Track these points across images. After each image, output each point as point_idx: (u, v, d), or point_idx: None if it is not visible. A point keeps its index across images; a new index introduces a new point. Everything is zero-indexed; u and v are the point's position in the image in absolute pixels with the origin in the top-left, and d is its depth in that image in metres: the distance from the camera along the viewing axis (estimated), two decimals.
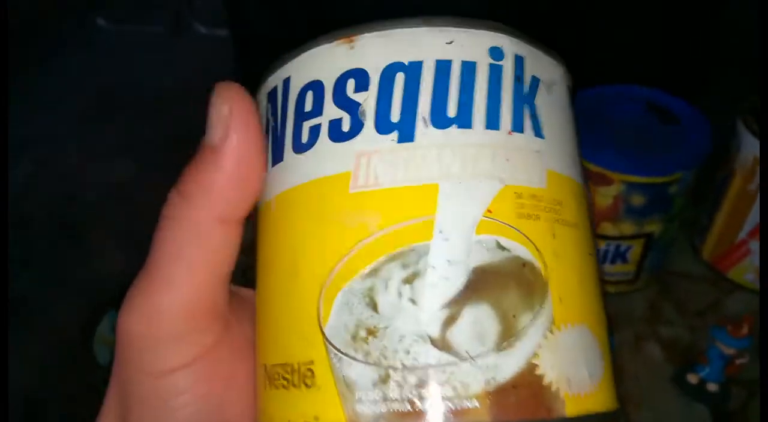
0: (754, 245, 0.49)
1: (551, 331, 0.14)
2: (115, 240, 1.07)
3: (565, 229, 0.15)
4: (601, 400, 0.15)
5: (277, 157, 0.16)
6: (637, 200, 0.46)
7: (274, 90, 0.16)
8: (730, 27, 0.62)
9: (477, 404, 0.13)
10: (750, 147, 0.47)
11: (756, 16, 0.57)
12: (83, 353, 0.34)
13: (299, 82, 0.16)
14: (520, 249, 0.14)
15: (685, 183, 0.45)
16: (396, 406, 0.13)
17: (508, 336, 0.13)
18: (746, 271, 0.51)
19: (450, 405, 0.13)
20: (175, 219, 0.16)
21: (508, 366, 0.13)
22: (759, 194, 0.47)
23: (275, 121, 0.16)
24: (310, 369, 0.14)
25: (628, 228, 0.48)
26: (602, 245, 0.49)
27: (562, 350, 0.14)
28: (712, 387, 0.44)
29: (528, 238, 0.14)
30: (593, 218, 0.16)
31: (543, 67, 0.16)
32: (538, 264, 0.14)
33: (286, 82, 0.16)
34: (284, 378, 0.14)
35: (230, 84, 0.16)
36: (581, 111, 0.50)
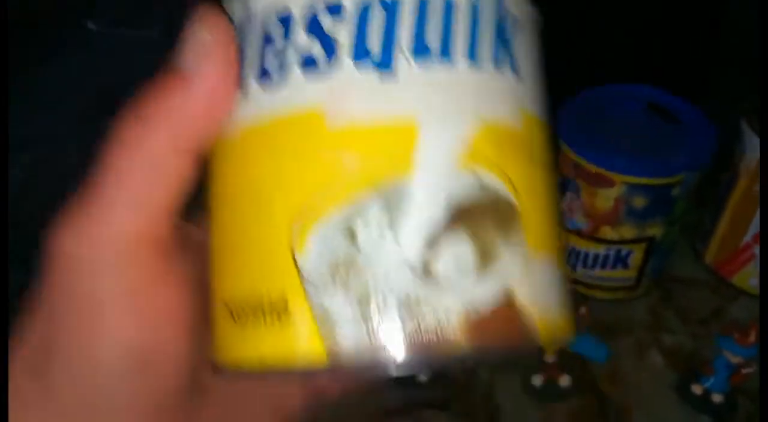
0: (759, 249, 0.48)
1: (526, 261, 0.14)
2: None
3: (537, 168, 0.16)
4: (568, 328, 0.16)
5: (241, 89, 0.15)
6: (639, 202, 0.44)
7: (239, 17, 0.15)
8: (730, 27, 0.61)
9: (458, 332, 0.14)
10: (755, 148, 0.45)
11: (756, 16, 0.56)
12: None
13: (267, 9, 0.15)
14: (498, 185, 0.14)
15: (688, 185, 0.44)
16: (377, 337, 0.13)
17: (486, 265, 0.14)
18: (750, 276, 0.49)
19: (432, 334, 0.13)
20: (128, 144, 0.15)
21: (486, 294, 0.14)
22: (760, 195, 0.45)
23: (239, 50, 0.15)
24: (283, 303, 0.14)
25: (629, 231, 0.46)
26: (601, 250, 0.47)
27: (535, 278, 0.15)
28: (717, 398, 0.42)
29: (506, 174, 0.14)
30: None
31: (517, 4, 0.16)
32: (513, 199, 0.15)
33: (251, 7, 0.15)
34: (252, 314, 0.14)
35: (216, 11, 0.15)
36: (582, 111, 0.49)
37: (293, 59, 0.14)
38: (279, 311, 0.14)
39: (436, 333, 0.13)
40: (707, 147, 0.43)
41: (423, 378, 0.45)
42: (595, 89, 0.48)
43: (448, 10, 0.14)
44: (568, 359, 0.45)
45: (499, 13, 0.15)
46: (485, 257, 0.14)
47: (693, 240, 0.54)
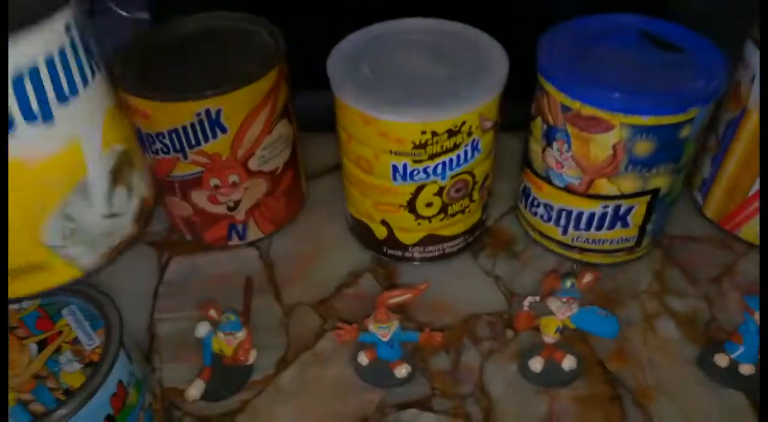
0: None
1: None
2: None
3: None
4: None
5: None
6: (643, 148, 0.37)
7: None
8: None
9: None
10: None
11: None
12: None
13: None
14: (122, 148, 0.27)
15: (699, 123, 0.37)
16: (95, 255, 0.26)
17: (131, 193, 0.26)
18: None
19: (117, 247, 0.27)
20: None
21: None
22: (759, 193, 0.39)
23: None
24: (42, 262, 0.23)
25: (629, 184, 0.39)
26: (597, 207, 0.40)
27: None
28: (746, 369, 0.36)
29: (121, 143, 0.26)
30: None
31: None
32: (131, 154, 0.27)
33: None
34: (22, 273, 0.24)
35: None
36: (566, 46, 0.42)
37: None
38: (41, 267, 0.23)
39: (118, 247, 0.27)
40: (718, 75, 0.36)
41: (402, 373, 0.37)
42: (576, 20, 0.41)
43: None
44: (569, 338, 0.38)
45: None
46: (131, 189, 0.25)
47: (691, 191, 0.48)
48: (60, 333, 0.30)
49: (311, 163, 0.51)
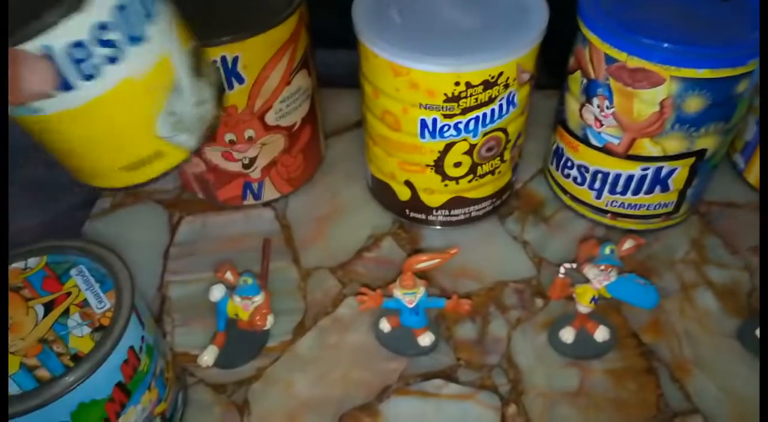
0: None
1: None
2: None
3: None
4: None
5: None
6: (693, 105, 0.34)
7: None
8: None
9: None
10: None
11: None
12: None
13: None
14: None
15: (755, 77, 0.34)
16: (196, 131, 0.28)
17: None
18: None
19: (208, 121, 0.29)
20: None
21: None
22: (759, 192, 0.36)
23: None
24: (158, 152, 0.27)
25: (674, 145, 0.36)
26: (636, 170, 0.38)
27: None
28: None
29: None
30: None
31: None
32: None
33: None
34: (142, 165, 0.28)
35: None
36: None
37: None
38: (159, 154, 0.27)
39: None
40: None
41: (426, 341, 0.35)
42: None
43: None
44: (601, 307, 0.36)
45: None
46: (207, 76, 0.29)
47: (730, 155, 0.46)
48: (68, 294, 0.28)
49: (328, 121, 0.48)
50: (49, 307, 0.27)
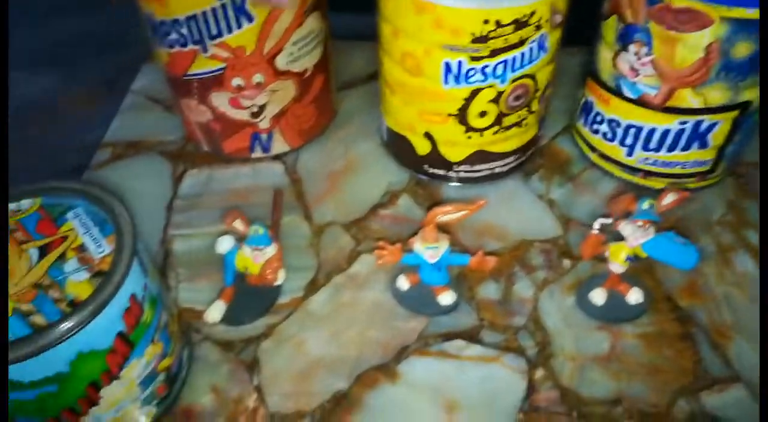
0: None
1: None
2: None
3: None
4: None
5: None
6: (742, 50, 0.31)
7: None
8: None
9: None
10: None
11: None
12: None
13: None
14: None
15: None
16: None
17: None
18: None
19: None
20: None
21: None
22: (760, 193, 0.33)
23: None
24: None
25: (717, 95, 0.34)
26: (674, 124, 0.35)
27: None
28: None
29: None
30: None
31: None
32: None
33: None
34: None
35: None
36: None
37: None
38: None
39: None
40: None
41: (447, 300, 0.33)
42: None
43: None
44: (636, 268, 0.34)
45: None
46: None
47: None
48: (64, 238, 0.26)
49: (340, 74, 0.46)
50: (43, 251, 0.25)
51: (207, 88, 0.37)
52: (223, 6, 0.33)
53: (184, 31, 0.34)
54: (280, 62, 0.36)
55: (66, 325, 0.22)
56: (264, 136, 0.40)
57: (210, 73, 0.36)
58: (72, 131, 0.46)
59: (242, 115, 0.38)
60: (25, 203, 0.27)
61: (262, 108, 0.38)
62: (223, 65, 0.35)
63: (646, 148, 0.37)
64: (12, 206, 0.27)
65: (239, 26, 0.33)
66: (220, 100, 0.37)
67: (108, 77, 0.50)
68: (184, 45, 0.34)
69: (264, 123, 0.39)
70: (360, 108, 0.44)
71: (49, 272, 0.24)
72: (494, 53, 0.32)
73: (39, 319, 0.23)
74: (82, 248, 0.25)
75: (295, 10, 0.35)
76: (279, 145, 0.40)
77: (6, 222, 0.24)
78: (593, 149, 0.40)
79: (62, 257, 0.25)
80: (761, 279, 0.33)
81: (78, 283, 0.24)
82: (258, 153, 0.40)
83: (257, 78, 0.36)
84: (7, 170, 0.25)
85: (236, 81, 0.36)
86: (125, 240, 0.25)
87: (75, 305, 0.23)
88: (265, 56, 0.35)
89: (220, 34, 0.34)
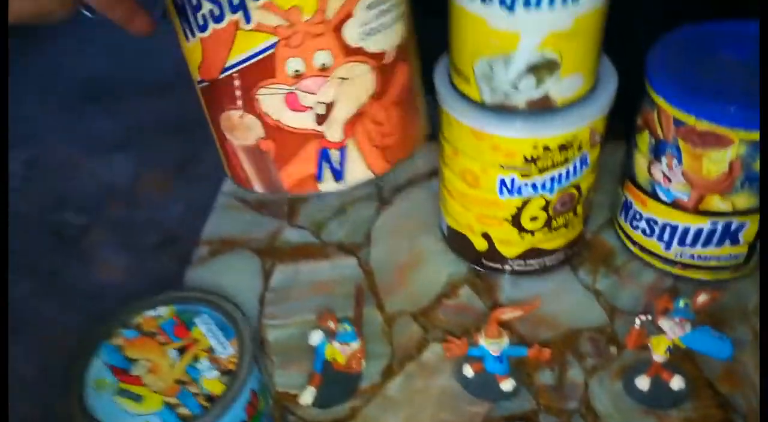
0: None
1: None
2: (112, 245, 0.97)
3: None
4: None
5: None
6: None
7: None
8: None
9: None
10: None
11: None
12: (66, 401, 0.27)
13: None
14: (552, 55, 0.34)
15: None
16: None
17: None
18: None
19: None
20: None
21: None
22: (759, 197, 0.37)
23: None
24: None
25: (744, 200, 0.38)
26: (706, 224, 0.40)
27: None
28: None
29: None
30: None
31: None
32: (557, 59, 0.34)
33: None
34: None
35: None
36: (678, 56, 0.41)
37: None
38: (465, 79, 0.35)
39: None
40: None
41: (508, 386, 0.37)
42: (700, 25, 0.40)
43: None
44: (677, 357, 0.38)
45: None
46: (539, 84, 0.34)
47: None
48: (196, 341, 0.32)
49: (401, 172, 0.52)
50: (181, 352, 0.31)
51: (253, 82, 0.26)
52: None
53: None
54: (351, 34, 0.27)
55: (208, 418, 0.28)
56: (335, 154, 0.29)
57: (256, 55, 0.26)
58: (152, 211, 0.53)
59: (303, 122, 0.27)
60: (162, 310, 0.33)
61: (329, 107, 0.28)
62: (273, 40, 0.25)
63: (682, 243, 0.42)
64: (152, 313, 0.33)
65: None
66: (271, 102, 0.27)
67: (182, 159, 0.57)
68: (220, 18, 0.25)
69: (334, 132, 0.28)
70: (421, 204, 0.50)
71: (187, 370, 0.30)
72: (542, 170, 0.38)
73: (184, 411, 0.28)
74: (210, 349, 0.31)
75: None
76: (356, 170, 0.30)
77: (6, 216, 0.24)
78: (634, 243, 0.45)
79: (196, 357, 0.31)
80: (761, 280, 0.33)
81: (210, 380, 0.30)
82: (329, 183, 0.30)
83: (321, 57, 0.26)
84: (7, 168, 0.23)
85: (293, 64, 0.26)
86: (246, 345, 0.31)
87: (211, 399, 0.29)
88: (329, 23, 0.26)
89: None
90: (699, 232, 0.41)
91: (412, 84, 0.32)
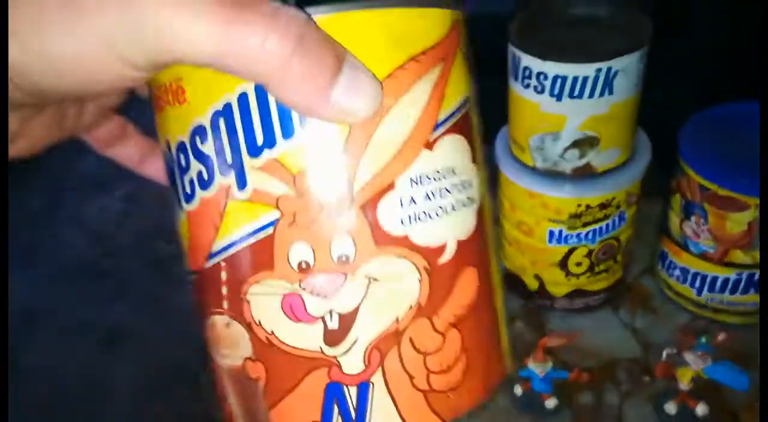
0: None
1: None
2: None
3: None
4: None
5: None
6: None
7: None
8: None
9: None
10: None
11: None
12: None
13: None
14: None
15: None
16: None
17: None
18: None
19: None
20: None
21: None
22: (760, 203, 0.43)
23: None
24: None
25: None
26: (732, 274, 0.46)
27: None
28: None
29: None
30: None
31: None
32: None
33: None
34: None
35: None
36: (706, 131, 0.48)
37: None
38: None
39: None
40: None
41: (551, 404, 0.45)
42: (720, 106, 0.47)
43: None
44: (703, 386, 0.44)
45: None
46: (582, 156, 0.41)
47: None
48: None
49: None
50: None
51: (243, 276, 0.19)
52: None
53: (209, 144, 0.18)
54: (388, 214, 0.18)
55: None
56: (352, 395, 0.19)
57: (249, 236, 0.18)
58: None
59: (307, 339, 0.18)
60: None
61: (348, 321, 0.18)
62: (273, 216, 0.18)
63: (711, 290, 0.48)
64: None
65: (302, 122, 0.17)
66: (265, 307, 0.19)
67: None
68: (210, 182, 0.19)
69: (352, 359, 0.19)
70: None
71: None
72: (585, 225, 0.45)
73: None
74: None
75: (421, 109, 0.18)
76: (381, 418, 0.19)
77: (6, 216, 0.20)
78: (669, 288, 0.51)
79: None
80: (761, 279, 0.36)
81: None
82: None
83: (341, 244, 0.18)
84: (7, 168, 0.20)
85: (298, 251, 0.18)
86: None
87: None
88: (356, 195, 0.18)
89: (270, 142, 0.18)
90: (726, 281, 0.47)
91: (487, 297, 0.21)
